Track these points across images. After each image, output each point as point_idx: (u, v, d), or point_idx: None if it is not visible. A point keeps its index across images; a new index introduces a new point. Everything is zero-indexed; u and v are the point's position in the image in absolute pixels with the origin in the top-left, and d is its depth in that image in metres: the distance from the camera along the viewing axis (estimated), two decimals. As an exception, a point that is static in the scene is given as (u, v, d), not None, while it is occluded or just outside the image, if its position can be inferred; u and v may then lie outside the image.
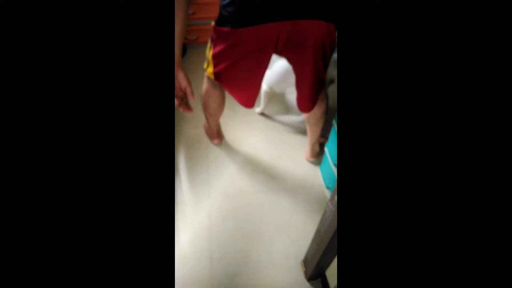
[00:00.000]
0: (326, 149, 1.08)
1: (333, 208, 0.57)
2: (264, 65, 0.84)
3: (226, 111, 1.13)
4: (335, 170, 1.00)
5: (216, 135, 1.28)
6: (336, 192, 0.54)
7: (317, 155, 1.23)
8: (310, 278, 0.85)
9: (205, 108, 1.08)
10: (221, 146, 1.31)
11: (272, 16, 0.69)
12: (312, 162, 1.24)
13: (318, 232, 0.71)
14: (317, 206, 1.07)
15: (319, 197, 1.11)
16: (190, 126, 1.40)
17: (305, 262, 0.87)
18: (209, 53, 0.84)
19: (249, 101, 0.97)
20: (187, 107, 0.79)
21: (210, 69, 0.87)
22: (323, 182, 1.15)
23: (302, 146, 1.31)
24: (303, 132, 1.39)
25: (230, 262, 0.91)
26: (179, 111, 0.86)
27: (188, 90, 0.75)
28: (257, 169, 1.21)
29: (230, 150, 1.29)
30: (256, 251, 0.93)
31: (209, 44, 0.84)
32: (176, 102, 0.76)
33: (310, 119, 1.06)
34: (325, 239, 0.65)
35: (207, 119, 1.17)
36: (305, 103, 0.96)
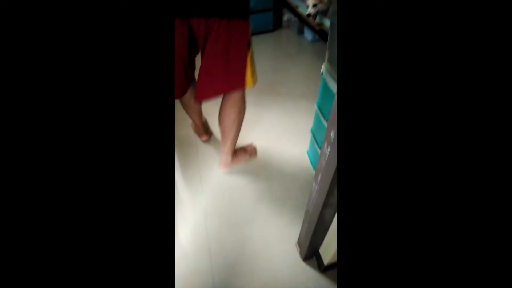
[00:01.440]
0: (311, 134, 1.11)
1: (317, 187, 0.60)
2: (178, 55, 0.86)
3: (212, 107, 1.13)
4: (321, 153, 1.03)
5: (203, 131, 1.30)
6: (320, 171, 0.57)
7: (231, 165, 1.13)
8: (306, 258, 0.88)
9: (183, 106, 1.11)
10: (209, 142, 1.33)
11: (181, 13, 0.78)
12: (299, 149, 1.26)
13: (307, 213, 0.74)
14: (307, 190, 1.10)
15: (309, 181, 1.14)
16: (180, 126, 1.41)
17: (299, 243, 0.90)
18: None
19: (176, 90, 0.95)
20: None
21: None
22: (311, 167, 1.18)
23: (289, 132, 1.34)
24: (289, 118, 1.42)
25: (228, 253, 0.93)
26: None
27: None
28: (247, 161, 1.23)
29: (219, 146, 1.30)
30: (252, 239, 0.96)
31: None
32: None
33: (222, 121, 1.00)
34: (314, 217, 0.68)
35: (190, 117, 1.19)
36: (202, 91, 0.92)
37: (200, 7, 0.76)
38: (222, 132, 1.04)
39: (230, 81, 0.89)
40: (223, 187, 1.13)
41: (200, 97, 0.93)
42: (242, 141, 1.31)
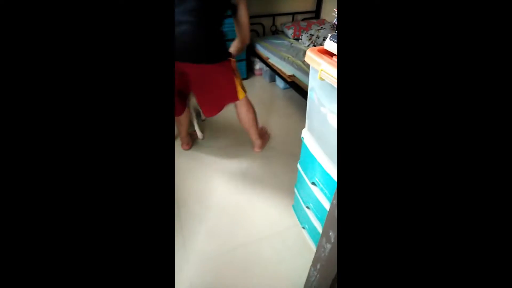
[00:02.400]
0: (295, 190, 1.13)
1: (317, 275, 0.59)
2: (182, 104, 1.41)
3: (189, 163, 1.09)
4: (307, 211, 1.04)
5: (186, 142, 1.59)
6: (319, 261, 0.57)
7: (263, 145, 1.60)
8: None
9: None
10: (191, 203, 1.28)
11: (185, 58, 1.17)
12: (284, 203, 1.27)
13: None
14: (297, 251, 1.09)
15: (298, 240, 1.13)
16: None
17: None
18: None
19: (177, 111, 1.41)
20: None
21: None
22: (298, 222, 1.18)
23: (274, 187, 1.35)
24: (270, 170, 1.44)
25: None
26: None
27: None
28: (232, 221, 1.19)
29: (202, 206, 1.26)
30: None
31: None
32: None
33: (245, 123, 1.46)
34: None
35: (178, 129, 1.53)
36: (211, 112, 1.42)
37: (192, 58, 1.16)
38: (248, 129, 1.49)
39: (226, 98, 1.36)
40: (209, 254, 1.08)
41: (209, 115, 1.45)
42: (222, 199, 1.28)
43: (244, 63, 2.27)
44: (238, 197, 1.30)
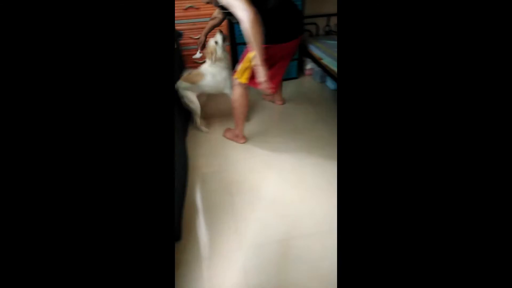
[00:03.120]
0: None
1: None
2: (284, 67, 1.52)
3: (243, 154, 1.17)
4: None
5: (242, 135, 1.63)
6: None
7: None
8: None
9: (239, 109, 1.50)
10: (244, 192, 1.35)
11: (290, 37, 1.32)
12: (335, 202, 1.28)
13: None
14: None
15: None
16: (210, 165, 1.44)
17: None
18: (242, 65, 1.38)
19: (275, 88, 1.50)
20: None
21: (246, 76, 1.40)
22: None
23: (325, 185, 1.36)
24: (323, 170, 1.45)
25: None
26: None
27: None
28: (282, 214, 1.24)
29: (254, 196, 1.33)
30: (296, 303, 0.94)
31: (240, 61, 1.41)
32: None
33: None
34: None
35: (238, 122, 1.57)
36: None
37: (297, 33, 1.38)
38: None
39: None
40: (261, 241, 1.14)
41: (275, 90, 1.74)
42: (274, 191, 1.34)
43: (295, 62, 2.29)
44: (288, 190, 1.35)
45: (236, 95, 1.49)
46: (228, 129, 1.74)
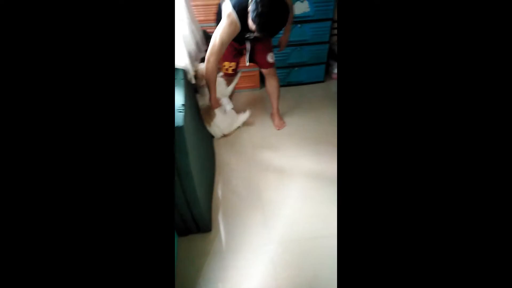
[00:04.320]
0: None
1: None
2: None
3: (272, 153, 1.19)
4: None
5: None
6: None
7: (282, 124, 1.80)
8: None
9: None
10: (272, 189, 1.38)
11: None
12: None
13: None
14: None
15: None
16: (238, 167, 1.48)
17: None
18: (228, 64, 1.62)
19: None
20: None
21: (231, 66, 1.64)
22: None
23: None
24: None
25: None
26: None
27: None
28: (311, 213, 1.25)
29: (283, 194, 1.35)
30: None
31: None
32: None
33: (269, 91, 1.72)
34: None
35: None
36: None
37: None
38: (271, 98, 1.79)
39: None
40: (290, 237, 1.15)
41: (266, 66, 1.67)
42: (302, 193, 1.35)
43: (323, 66, 2.30)
44: (314, 191, 1.36)
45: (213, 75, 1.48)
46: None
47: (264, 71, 1.67)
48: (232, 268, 1.05)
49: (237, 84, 1.80)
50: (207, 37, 1.61)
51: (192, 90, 1.39)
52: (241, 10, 1.22)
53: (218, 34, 1.29)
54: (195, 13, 1.70)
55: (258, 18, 1.16)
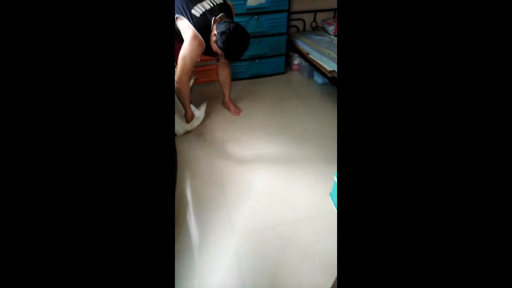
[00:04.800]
0: (335, 179, 1.19)
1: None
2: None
3: (233, 147, 1.20)
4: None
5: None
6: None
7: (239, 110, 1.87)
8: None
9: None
10: (235, 182, 1.39)
11: None
12: (321, 191, 1.34)
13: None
14: (334, 233, 1.15)
15: (334, 224, 1.19)
16: (200, 163, 1.47)
17: (335, 289, 0.93)
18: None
19: None
20: None
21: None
22: (335, 209, 1.25)
23: (312, 175, 1.42)
24: (307, 161, 1.51)
25: (263, 297, 0.96)
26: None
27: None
28: (271, 202, 1.29)
29: (244, 186, 1.37)
30: (286, 284, 0.99)
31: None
32: None
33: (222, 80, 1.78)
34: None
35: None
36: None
37: None
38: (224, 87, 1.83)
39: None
40: (252, 228, 1.18)
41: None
42: (264, 182, 1.38)
43: (283, 57, 2.34)
44: (277, 180, 1.39)
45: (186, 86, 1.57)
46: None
47: (220, 60, 1.67)
48: (196, 265, 1.06)
49: (195, 79, 1.76)
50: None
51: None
52: (203, 31, 1.35)
53: (188, 55, 1.36)
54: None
55: (225, 50, 1.33)
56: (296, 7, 2.29)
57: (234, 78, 1.94)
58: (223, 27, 1.31)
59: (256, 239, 1.14)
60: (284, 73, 2.43)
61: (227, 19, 1.40)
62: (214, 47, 1.40)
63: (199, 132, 1.75)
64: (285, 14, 2.08)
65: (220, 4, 1.41)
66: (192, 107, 1.71)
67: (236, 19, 1.90)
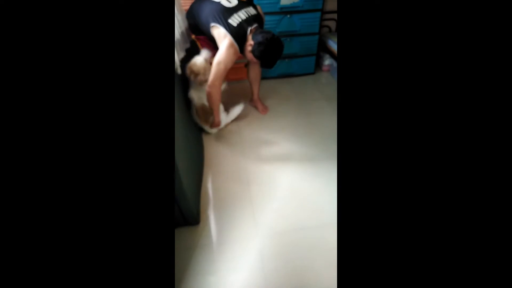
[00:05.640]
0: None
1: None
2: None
3: (260, 147, 1.19)
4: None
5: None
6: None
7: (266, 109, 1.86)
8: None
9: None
10: (260, 183, 1.38)
11: None
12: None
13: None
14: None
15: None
16: (228, 162, 1.48)
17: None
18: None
19: None
20: None
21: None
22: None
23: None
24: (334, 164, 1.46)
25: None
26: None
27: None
28: (298, 205, 1.27)
29: (270, 187, 1.36)
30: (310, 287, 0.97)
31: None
32: None
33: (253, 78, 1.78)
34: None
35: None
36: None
37: None
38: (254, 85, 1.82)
39: None
40: (277, 230, 1.17)
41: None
42: (289, 185, 1.35)
43: (313, 58, 2.29)
44: (303, 182, 1.37)
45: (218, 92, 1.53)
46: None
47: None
48: (220, 261, 1.06)
49: (226, 77, 1.77)
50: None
51: (178, 81, 1.36)
52: (239, 39, 1.39)
53: (223, 61, 1.39)
54: (182, 2, 1.65)
55: (262, 59, 1.40)
56: (330, 6, 2.23)
57: (263, 77, 1.93)
58: (259, 38, 1.35)
59: (281, 240, 1.13)
60: (313, 73, 2.38)
61: (261, 29, 1.44)
62: (249, 56, 1.43)
63: (226, 129, 1.77)
64: (318, 14, 2.03)
65: (255, 15, 1.45)
66: (222, 109, 1.68)
67: (269, 18, 1.90)
